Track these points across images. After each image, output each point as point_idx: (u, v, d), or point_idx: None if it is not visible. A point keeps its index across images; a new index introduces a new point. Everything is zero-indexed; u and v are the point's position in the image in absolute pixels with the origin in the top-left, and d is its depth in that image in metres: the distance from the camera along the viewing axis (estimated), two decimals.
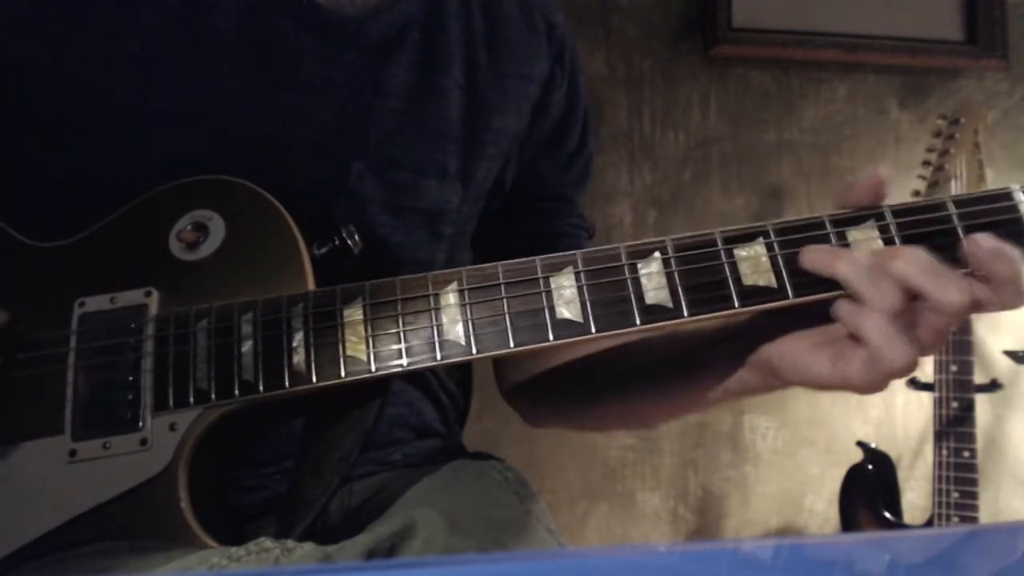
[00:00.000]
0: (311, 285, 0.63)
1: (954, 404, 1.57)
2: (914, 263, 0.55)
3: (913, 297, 0.55)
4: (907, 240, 0.57)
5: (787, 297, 0.58)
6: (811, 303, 0.58)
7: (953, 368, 1.57)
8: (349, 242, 0.66)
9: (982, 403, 1.60)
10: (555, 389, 0.84)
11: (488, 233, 0.87)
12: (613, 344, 0.76)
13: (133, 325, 0.62)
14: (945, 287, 0.54)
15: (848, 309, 0.56)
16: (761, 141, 1.89)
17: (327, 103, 0.71)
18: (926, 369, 1.62)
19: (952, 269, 0.55)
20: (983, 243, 0.55)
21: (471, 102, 0.77)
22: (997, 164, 1.71)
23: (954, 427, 1.56)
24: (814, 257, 0.57)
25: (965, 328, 1.56)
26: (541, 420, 0.92)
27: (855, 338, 0.56)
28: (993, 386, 1.64)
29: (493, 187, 0.83)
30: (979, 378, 1.59)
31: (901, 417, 1.90)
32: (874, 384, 0.57)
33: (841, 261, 0.56)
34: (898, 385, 1.78)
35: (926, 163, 1.60)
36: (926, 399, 1.64)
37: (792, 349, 0.61)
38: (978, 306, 0.55)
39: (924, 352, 0.57)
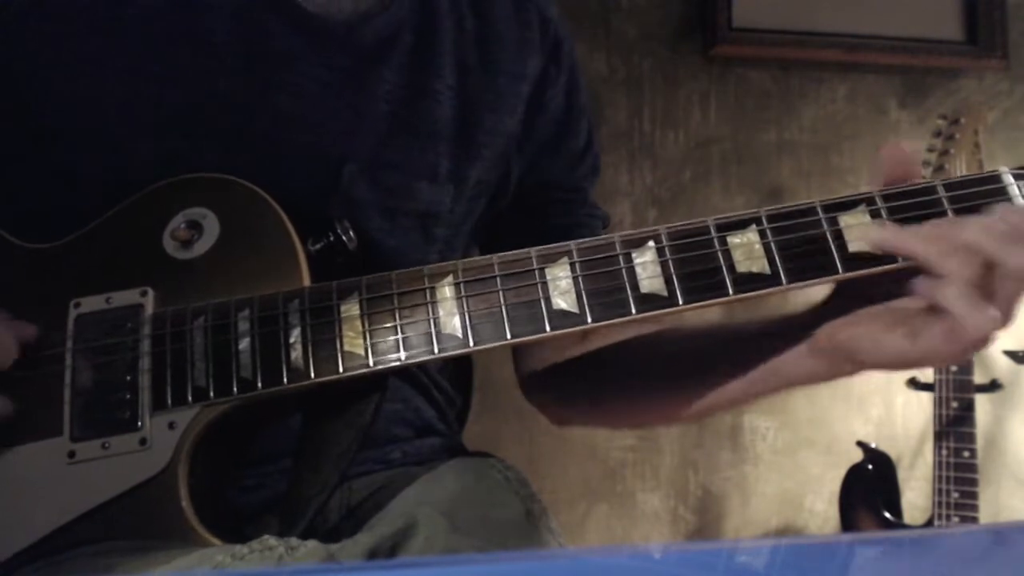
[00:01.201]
0: (307, 281, 0.63)
1: (954, 404, 1.57)
2: (984, 230, 0.55)
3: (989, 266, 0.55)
4: (898, 224, 0.58)
5: (780, 283, 0.58)
6: (805, 287, 0.58)
7: (953, 368, 1.57)
8: (344, 238, 0.65)
9: (982, 403, 1.60)
10: (593, 382, 0.83)
11: (503, 233, 0.86)
12: (647, 334, 0.76)
13: (129, 325, 0.62)
14: (1014, 252, 0.54)
15: (928, 284, 0.56)
16: (761, 141, 1.89)
17: (318, 106, 0.71)
18: (926, 369, 1.62)
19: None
20: (1015, 211, 0.56)
21: (463, 103, 0.77)
22: (997, 164, 1.71)
23: (954, 427, 1.56)
24: (884, 237, 0.58)
25: None
26: (573, 416, 0.91)
27: (932, 312, 0.56)
28: (993, 386, 1.64)
29: (497, 187, 0.83)
30: (979, 378, 1.59)
31: (901, 417, 1.90)
32: (958, 355, 0.58)
33: (913, 239, 0.56)
34: (898, 385, 1.78)
35: (926, 163, 1.60)
36: (926, 399, 1.64)
37: (867, 331, 0.60)
38: None
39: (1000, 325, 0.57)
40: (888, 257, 0.58)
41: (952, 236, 0.55)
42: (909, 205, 0.58)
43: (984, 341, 0.57)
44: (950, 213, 0.58)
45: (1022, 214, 0.55)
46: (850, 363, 0.62)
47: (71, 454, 0.60)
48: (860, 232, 0.58)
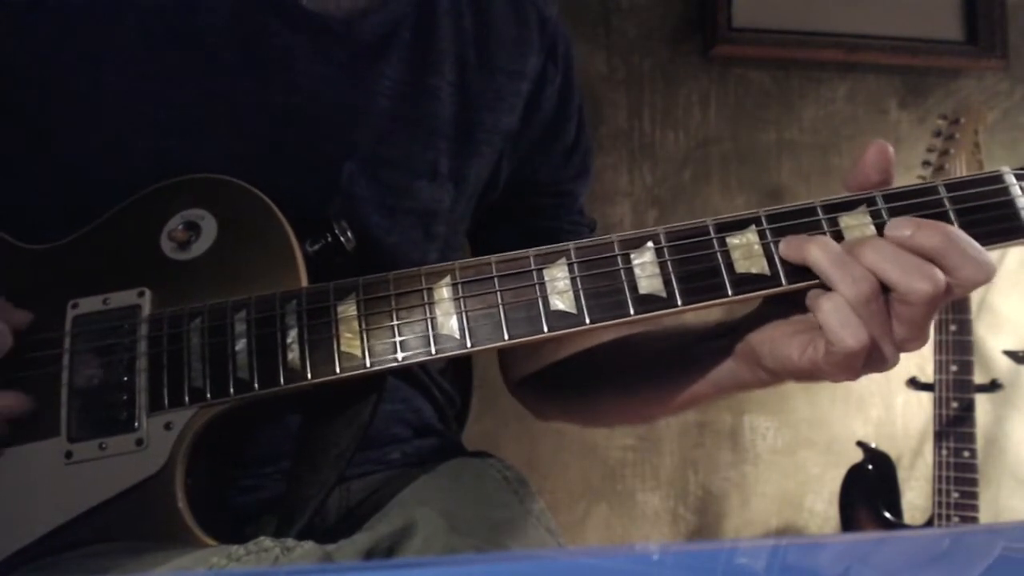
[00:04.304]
0: (304, 282, 0.63)
1: (954, 404, 1.56)
2: (881, 252, 0.54)
3: (886, 289, 0.54)
4: None
5: (780, 284, 0.58)
6: (802, 290, 0.58)
7: (953, 368, 1.57)
8: (342, 239, 0.65)
9: (982, 403, 1.60)
10: (559, 383, 0.84)
11: (488, 231, 0.87)
12: (614, 338, 0.76)
13: (126, 326, 0.62)
14: (911, 276, 0.53)
15: (813, 294, 0.57)
16: (761, 141, 1.89)
17: (317, 103, 0.71)
18: (926, 369, 1.62)
19: (920, 258, 0.55)
20: (900, 224, 0.55)
21: (462, 100, 0.77)
22: (997, 164, 1.71)
23: (954, 427, 1.56)
24: (788, 245, 0.57)
25: (965, 328, 1.56)
26: (546, 413, 0.92)
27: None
28: (993, 386, 1.64)
29: (486, 184, 0.83)
30: (979, 378, 1.59)
31: (901, 417, 1.90)
32: (840, 370, 0.57)
33: (812, 246, 0.56)
34: (898, 385, 1.78)
35: (926, 163, 1.60)
36: (926, 399, 1.64)
37: (772, 335, 0.61)
38: (951, 292, 0.54)
39: (904, 346, 0.57)
40: None
41: (852, 252, 0.55)
42: (910, 206, 0.58)
43: (859, 360, 0.55)
44: (952, 214, 0.57)
45: (927, 231, 0.54)
46: (761, 368, 0.62)
47: (68, 454, 0.60)
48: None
